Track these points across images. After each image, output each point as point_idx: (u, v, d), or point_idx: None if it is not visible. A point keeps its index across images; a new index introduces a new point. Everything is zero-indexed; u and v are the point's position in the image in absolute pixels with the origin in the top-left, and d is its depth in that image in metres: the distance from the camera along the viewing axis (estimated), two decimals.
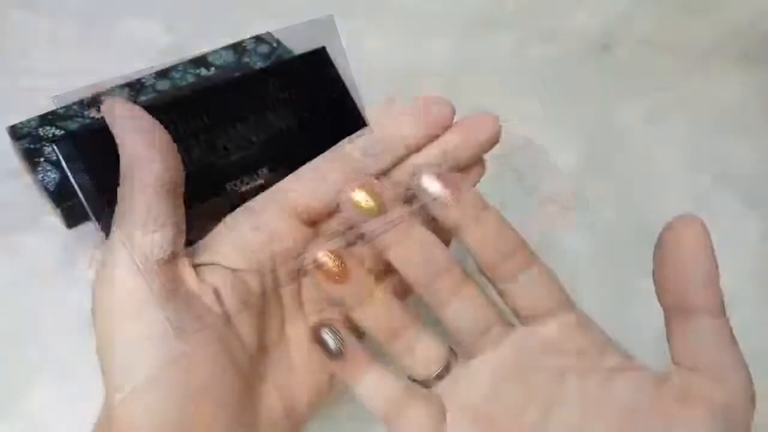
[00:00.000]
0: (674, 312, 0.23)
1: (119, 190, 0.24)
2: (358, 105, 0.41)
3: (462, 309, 0.25)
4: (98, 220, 0.34)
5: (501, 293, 0.25)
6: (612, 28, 0.60)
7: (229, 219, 0.27)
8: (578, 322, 0.25)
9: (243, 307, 0.25)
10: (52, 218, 0.41)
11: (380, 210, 0.24)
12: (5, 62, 0.52)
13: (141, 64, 0.50)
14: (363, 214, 0.23)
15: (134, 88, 0.47)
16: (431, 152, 0.27)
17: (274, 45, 0.52)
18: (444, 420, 0.25)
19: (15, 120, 0.44)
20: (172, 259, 0.24)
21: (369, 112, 0.31)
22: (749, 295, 0.41)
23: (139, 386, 0.23)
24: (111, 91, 0.47)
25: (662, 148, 0.50)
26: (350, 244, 0.25)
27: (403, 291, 0.26)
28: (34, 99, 0.46)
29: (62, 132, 0.44)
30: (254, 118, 0.37)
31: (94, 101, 0.46)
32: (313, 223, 0.27)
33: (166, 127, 0.24)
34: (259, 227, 0.26)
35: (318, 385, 0.27)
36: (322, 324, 0.25)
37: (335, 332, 0.25)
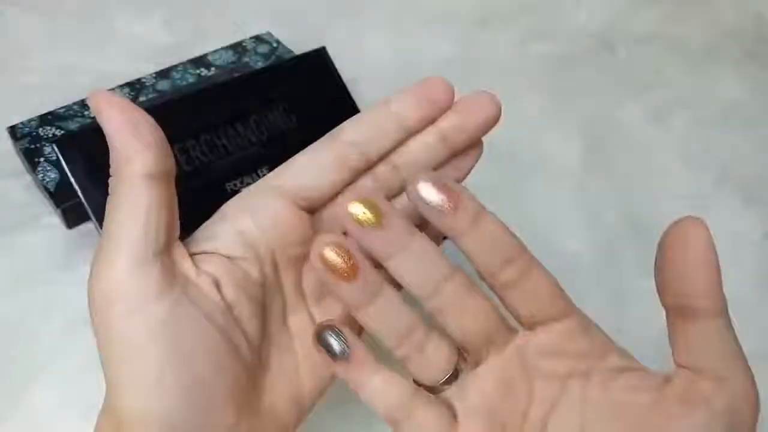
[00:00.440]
0: (676, 313, 0.22)
1: (110, 181, 0.24)
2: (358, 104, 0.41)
3: (467, 318, 0.24)
4: (98, 220, 0.34)
5: (502, 299, 0.24)
6: (613, 28, 0.60)
7: (224, 207, 0.27)
8: (579, 325, 0.24)
9: (243, 295, 0.25)
10: (52, 218, 0.41)
11: (378, 221, 0.23)
12: (5, 62, 0.52)
13: (141, 64, 0.50)
14: (361, 225, 0.22)
15: (134, 88, 0.47)
16: (428, 138, 0.27)
17: (274, 45, 0.52)
18: (455, 422, 0.25)
19: (15, 120, 0.44)
20: (168, 249, 0.24)
21: None
22: (749, 295, 0.41)
23: (140, 379, 0.23)
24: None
25: (663, 147, 0.50)
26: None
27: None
28: (34, 99, 0.46)
29: (62, 132, 0.44)
30: (254, 118, 0.37)
31: None
32: (312, 209, 0.27)
33: (166, 127, 0.24)
34: (255, 214, 0.26)
35: (321, 375, 0.27)
36: (324, 326, 0.25)
37: (339, 334, 0.25)
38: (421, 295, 0.24)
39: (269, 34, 0.53)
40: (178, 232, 0.25)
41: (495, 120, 0.27)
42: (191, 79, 0.48)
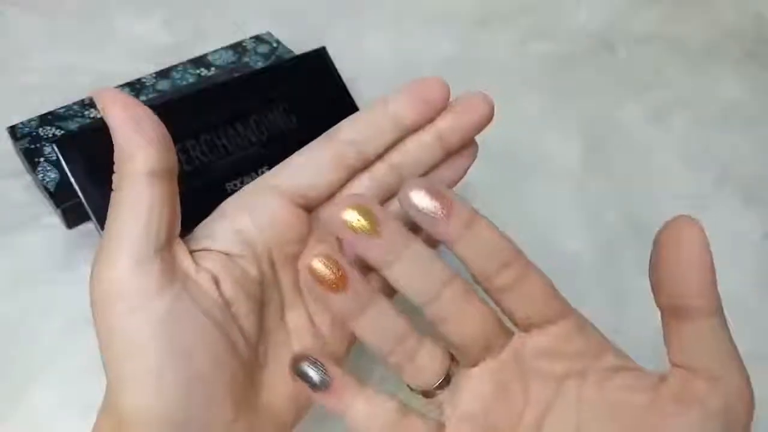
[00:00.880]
0: (671, 313, 0.22)
1: (113, 177, 0.24)
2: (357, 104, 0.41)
3: (466, 323, 0.24)
4: (98, 220, 0.34)
5: (498, 302, 0.24)
6: (613, 28, 0.60)
7: (223, 206, 0.27)
8: (575, 326, 0.24)
9: (241, 292, 0.25)
10: (52, 218, 0.41)
11: (373, 229, 0.22)
12: (5, 62, 0.52)
13: (141, 64, 0.50)
14: (356, 234, 0.22)
15: (134, 88, 0.47)
16: (424, 138, 0.27)
17: (274, 45, 0.52)
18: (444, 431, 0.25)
19: (15, 120, 0.44)
20: (169, 246, 0.24)
21: None
22: (749, 295, 0.41)
23: (141, 376, 0.23)
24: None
25: (663, 147, 0.50)
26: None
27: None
28: (34, 99, 0.46)
29: (62, 132, 0.44)
30: (254, 118, 0.37)
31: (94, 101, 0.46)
32: (310, 208, 0.27)
33: (166, 127, 0.24)
34: (253, 212, 0.26)
35: None
36: (300, 356, 0.25)
37: (316, 363, 0.24)
38: (419, 301, 0.24)
39: (269, 34, 0.53)
40: (179, 229, 0.25)
41: (488, 119, 0.27)
42: (191, 79, 0.48)
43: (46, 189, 0.40)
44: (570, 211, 0.45)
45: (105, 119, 0.24)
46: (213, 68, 0.49)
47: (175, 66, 0.49)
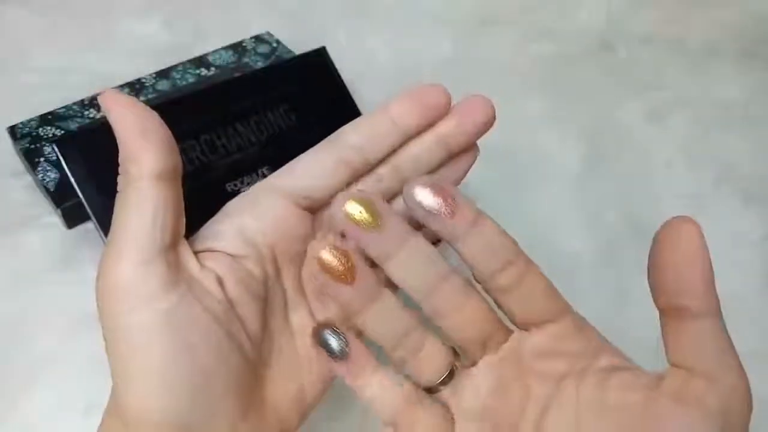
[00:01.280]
0: (669, 313, 0.22)
1: (118, 179, 0.24)
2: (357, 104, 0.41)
3: (464, 319, 0.24)
4: (98, 220, 0.34)
5: (498, 301, 0.24)
6: (612, 27, 0.60)
7: (227, 207, 0.27)
8: (574, 325, 0.24)
9: (245, 292, 0.25)
10: (52, 218, 0.41)
11: (375, 221, 0.23)
12: (5, 62, 0.52)
13: (141, 64, 0.50)
14: (358, 226, 0.23)
15: (134, 88, 0.47)
16: (426, 140, 0.27)
17: (274, 45, 0.52)
18: (452, 424, 0.25)
19: (15, 120, 0.44)
20: (173, 246, 0.24)
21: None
22: (750, 295, 0.41)
23: (147, 374, 0.23)
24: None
25: (663, 147, 0.50)
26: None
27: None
28: (34, 99, 0.46)
29: (62, 132, 0.44)
30: (254, 118, 0.37)
31: (94, 101, 0.46)
32: (313, 210, 0.27)
33: (170, 129, 0.24)
34: (257, 213, 0.26)
35: (323, 372, 0.27)
36: (323, 325, 0.25)
37: (338, 333, 0.25)
38: (418, 296, 0.24)
39: (269, 34, 0.53)
40: (183, 230, 0.25)
41: (490, 123, 0.27)
42: (191, 79, 0.48)
43: (46, 189, 0.40)
44: (570, 211, 0.45)
45: (109, 121, 0.24)
46: (213, 68, 0.49)
47: (175, 66, 0.49)
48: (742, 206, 0.46)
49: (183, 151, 0.35)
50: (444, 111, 0.27)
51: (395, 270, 0.23)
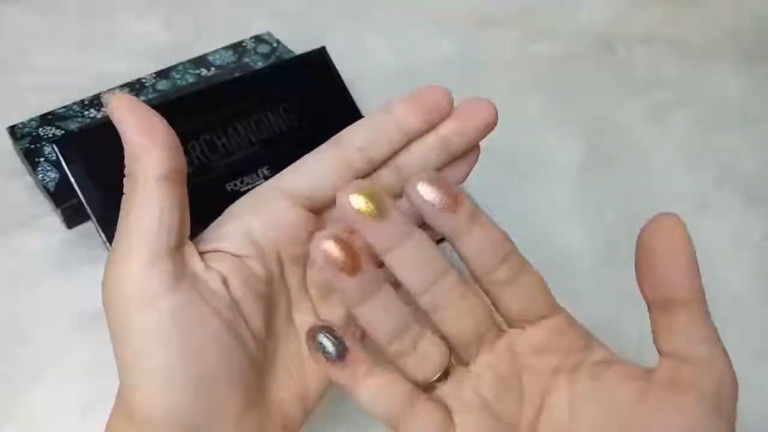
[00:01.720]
0: (658, 305, 0.23)
1: (124, 181, 0.24)
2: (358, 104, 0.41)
3: (460, 315, 0.25)
4: (98, 220, 0.34)
5: (494, 298, 0.25)
6: (613, 28, 0.60)
7: (232, 208, 0.27)
8: (566, 322, 0.25)
9: (250, 292, 0.26)
10: (52, 218, 0.41)
11: (379, 212, 0.23)
12: (5, 62, 0.52)
13: (141, 63, 0.50)
14: (362, 217, 0.23)
15: (134, 88, 0.47)
16: (428, 141, 0.27)
17: (274, 45, 0.52)
18: (452, 422, 0.25)
19: (15, 120, 0.44)
20: (179, 246, 0.24)
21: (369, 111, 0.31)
22: (750, 295, 0.41)
23: (154, 372, 0.23)
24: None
25: (663, 146, 0.50)
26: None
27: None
28: (34, 99, 0.46)
29: (62, 132, 0.44)
30: (254, 118, 0.37)
31: (94, 101, 0.46)
32: (317, 211, 0.28)
33: (174, 131, 0.25)
34: (261, 214, 0.26)
35: (326, 372, 0.27)
36: (319, 327, 0.25)
37: (334, 335, 0.25)
38: (416, 290, 0.24)
39: (269, 34, 0.53)
40: (188, 231, 0.25)
41: (492, 125, 0.27)
42: (191, 79, 0.48)
43: (46, 189, 0.40)
44: (570, 211, 0.45)
45: (114, 123, 0.24)
46: (213, 68, 0.49)
47: (175, 66, 0.49)
48: (743, 206, 0.46)
49: (183, 151, 0.35)
50: (446, 113, 0.27)
51: (395, 262, 0.24)
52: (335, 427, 0.34)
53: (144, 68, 0.49)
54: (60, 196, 0.40)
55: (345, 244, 0.23)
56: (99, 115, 0.45)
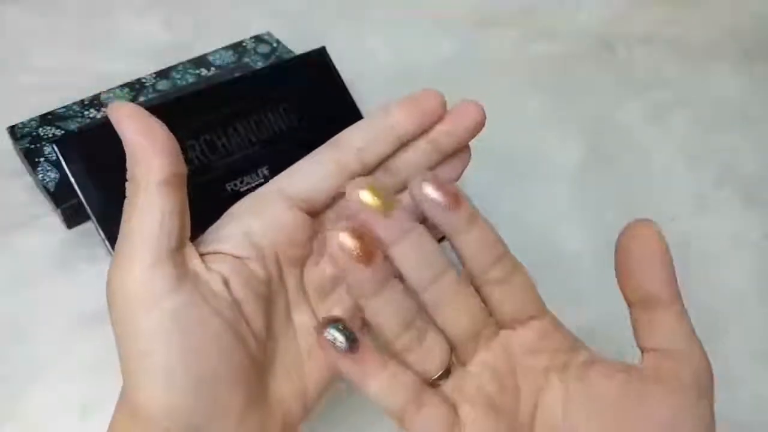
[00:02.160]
0: (639, 304, 0.25)
1: (126, 185, 0.25)
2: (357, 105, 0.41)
3: (460, 312, 0.25)
4: (98, 220, 0.34)
5: (488, 297, 0.26)
6: (613, 28, 0.60)
7: (231, 210, 0.28)
8: (553, 324, 0.26)
9: (250, 292, 0.26)
10: (52, 218, 0.41)
11: (387, 207, 0.24)
12: (5, 62, 0.52)
13: (141, 63, 0.50)
14: (369, 211, 0.23)
15: (134, 88, 0.47)
16: (421, 144, 0.28)
17: (274, 45, 0.52)
18: (457, 415, 0.25)
19: (15, 120, 0.44)
20: (180, 248, 0.25)
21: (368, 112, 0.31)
22: (750, 295, 0.41)
23: (157, 372, 0.24)
24: (112, 91, 0.47)
25: (663, 146, 0.50)
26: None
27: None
28: (34, 99, 0.46)
29: (62, 132, 0.44)
30: (254, 118, 0.37)
31: (94, 101, 0.46)
32: (314, 213, 0.28)
33: (174, 136, 0.25)
34: (260, 217, 0.27)
35: (325, 370, 0.28)
36: (330, 319, 0.25)
37: (344, 328, 0.25)
38: (419, 285, 0.25)
39: (269, 34, 0.53)
40: (189, 233, 0.26)
41: (481, 125, 0.28)
42: (191, 79, 0.48)
43: (46, 189, 0.40)
44: (570, 211, 0.45)
45: (117, 130, 0.25)
46: (213, 68, 0.49)
47: (175, 66, 0.49)
48: (742, 206, 0.46)
49: (183, 151, 0.35)
50: (440, 116, 0.28)
51: (400, 257, 0.24)
52: (334, 427, 0.34)
53: (144, 68, 0.49)
54: (60, 196, 0.40)
55: (360, 234, 0.23)
56: (99, 115, 0.45)
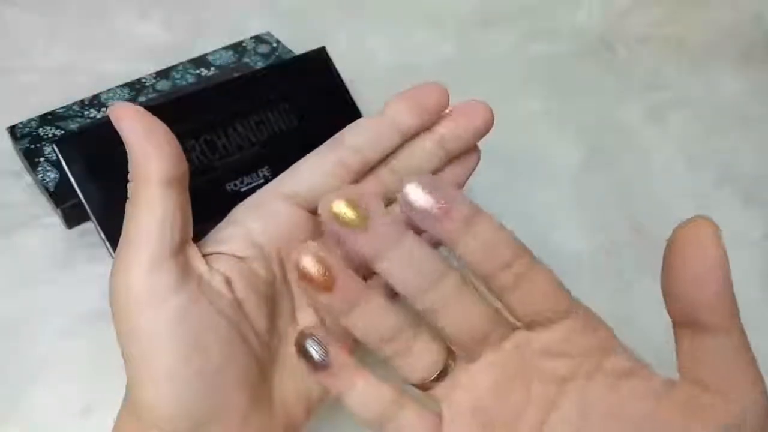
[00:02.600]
0: (683, 324, 0.22)
1: (128, 186, 0.25)
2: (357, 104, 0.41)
3: (458, 317, 0.23)
4: (98, 220, 0.34)
5: (501, 300, 0.24)
6: (613, 28, 0.60)
7: (234, 211, 0.28)
8: (581, 325, 0.23)
9: (253, 292, 0.26)
10: (52, 218, 0.41)
11: (363, 223, 0.22)
12: (5, 62, 0.52)
13: (140, 63, 0.50)
14: (344, 226, 0.22)
15: (134, 88, 0.47)
16: (426, 143, 0.28)
17: (274, 45, 0.52)
18: (439, 423, 0.25)
19: (15, 120, 0.44)
20: (182, 248, 0.25)
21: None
22: (750, 295, 0.41)
23: (161, 371, 0.24)
24: (112, 91, 0.47)
25: (663, 146, 0.50)
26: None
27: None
28: (34, 99, 0.46)
29: (62, 132, 0.44)
30: (254, 118, 0.37)
31: (94, 101, 0.46)
32: (315, 212, 0.27)
33: (175, 137, 0.25)
34: (262, 217, 0.27)
35: None
36: (304, 334, 0.25)
37: (318, 342, 0.25)
38: (411, 295, 0.23)
39: (269, 34, 0.53)
40: (191, 233, 0.26)
41: (489, 126, 0.27)
42: (191, 79, 0.48)
43: (46, 189, 0.40)
44: (570, 211, 0.45)
45: (119, 131, 0.25)
46: (213, 68, 0.49)
47: (175, 66, 0.49)
48: (742, 206, 0.46)
49: (183, 151, 0.35)
50: (442, 110, 0.27)
51: (385, 270, 0.23)
52: (337, 429, 0.34)
53: (144, 68, 0.49)
54: (60, 196, 0.40)
55: (320, 260, 0.22)
56: (99, 115, 0.45)
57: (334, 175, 0.27)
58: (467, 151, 0.28)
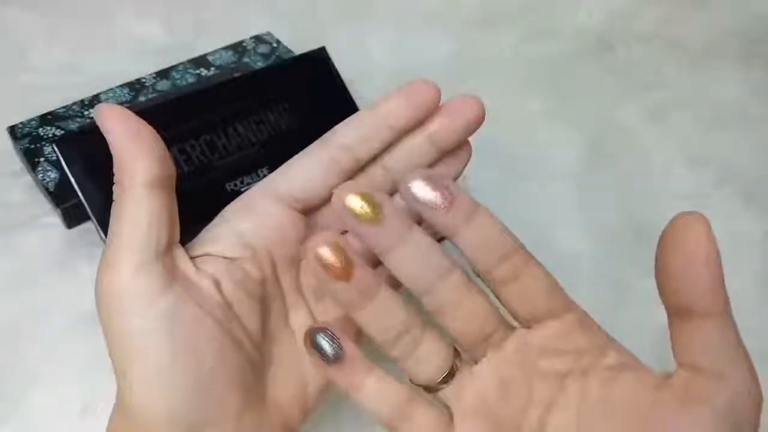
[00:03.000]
0: (676, 312, 0.22)
1: (114, 188, 0.25)
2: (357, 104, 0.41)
3: (464, 315, 0.24)
4: (98, 220, 0.34)
5: (498, 296, 0.24)
6: (613, 28, 0.60)
7: (224, 211, 0.28)
8: (577, 323, 0.24)
9: (243, 293, 0.26)
10: (52, 218, 0.41)
11: (376, 215, 0.22)
12: (5, 62, 0.52)
13: (141, 63, 0.50)
14: (358, 220, 0.22)
15: (134, 88, 0.47)
16: (417, 139, 0.27)
17: (274, 45, 0.52)
18: (451, 423, 0.25)
19: (15, 120, 0.44)
20: (168, 250, 0.25)
21: None
22: (750, 295, 0.41)
23: (150, 374, 0.23)
24: (111, 92, 0.47)
25: (663, 146, 0.50)
26: None
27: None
28: (34, 99, 0.46)
29: (62, 132, 0.44)
30: (254, 118, 0.37)
31: (94, 101, 0.46)
32: (307, 211, 0.28)
33: (165, 128, 0.25)
34: (252, 217, 0.27)
35: (324, 372, 0.27)
36: (316, 328, 0.25)
37: (331, 336, 0.25)
38: (417, 290, 0.24)
39: (269, 34, 0.53)
40: (178, 235, 0.26)
41: (479, 121, 0.27)
42: (191, 79, 0.48)
43: (46, 189, 0.40)
44: (570, 211, 0.45)
45: (103, 133, 0.25)
46: (213, 68, 0.49)
47: (175, 66, 0.49)
48: (742, 206, 0.46)
49: (183, 151, 0.36)
50: (433, 106, 0.27)
51: (395, 264, 0.23)
52: (336, 428, 0.34)
53: (144, 68, 0.49)
54: (60, 196, 0.40)
55: (338, 249, 0.23)
56: None
57: (325, 174, 0.27)
58: (459, 147, 0.28)
